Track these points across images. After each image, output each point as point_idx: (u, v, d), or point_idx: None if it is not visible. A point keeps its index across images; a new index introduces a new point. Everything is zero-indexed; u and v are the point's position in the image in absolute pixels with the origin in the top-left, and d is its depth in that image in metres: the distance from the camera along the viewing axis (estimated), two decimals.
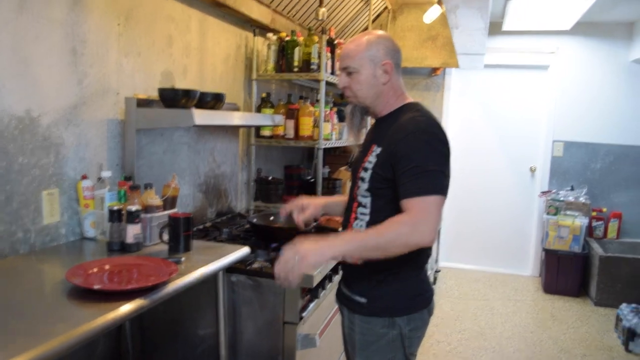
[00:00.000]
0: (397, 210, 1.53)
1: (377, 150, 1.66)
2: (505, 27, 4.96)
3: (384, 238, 1.47)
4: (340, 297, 1.83)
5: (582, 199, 5.22)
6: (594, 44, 5.35)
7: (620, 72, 5.31)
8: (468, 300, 4.89)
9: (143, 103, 2.15)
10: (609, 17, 5.01)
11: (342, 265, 1.80)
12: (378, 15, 4.86)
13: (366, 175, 1.66)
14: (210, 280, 1.89)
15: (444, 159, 1.59)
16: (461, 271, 5.81)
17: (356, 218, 1.71)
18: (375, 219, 1.63)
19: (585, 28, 5.22)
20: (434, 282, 5.19)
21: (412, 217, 1.48)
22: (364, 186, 1.67)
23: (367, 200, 1.67)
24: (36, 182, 1.79)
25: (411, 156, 1.54)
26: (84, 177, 1.94)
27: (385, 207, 1.62)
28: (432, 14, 4.50)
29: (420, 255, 1.66)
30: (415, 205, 1.49)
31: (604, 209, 5.37)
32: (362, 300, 1.69)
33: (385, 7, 4.77)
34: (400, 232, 1.47)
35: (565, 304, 4.88)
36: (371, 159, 1.66)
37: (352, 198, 1.75)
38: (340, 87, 1.76)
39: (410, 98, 1.76)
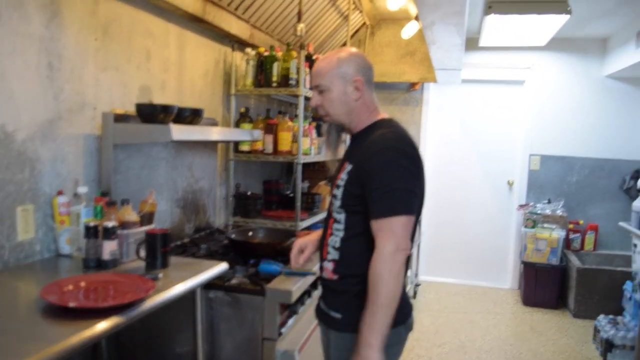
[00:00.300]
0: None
1: (348, 167, 1.67)
2: (481, 43, 5.04)
3: (382, 292, 1.49)
4: (319, 312, 1.82)
5: (559, 212, 5.29)
6: (569, 59, 5.47)
7: (595, 86, 5.43)
8: (448, 313, 4.90)
9: (120, 118, 2.14)
10: (583, 33, 5.13)
11: (321, 281, 1.80)
12: (356, 31, 4.90)
13: (338, 192, 1.67)
14: (188, 297, 1.87)
15: (413, 176, 1.60)
16: (441, 284, 5.83)
17: (331, 234, 1.71)
18: (349, 235, 1.66)
19: (560, 44, 5.33)
20: (414, 296, 5.21)
21: (379, 250, 1.52)
22: (337, 203, 1.68)
23: (341, 217, 1.68)
24: (11, 197, 1.76)
25: (378, 175, 1.56)
26: (60, 193, 1.91)
27: (359, 223, 1.63)
28: (410, 29, 4.56)
29: None
30: (381, 228, 1.53)
31: (581, 222, 5.45)
32: (337, 315, 1.69)
33: (364, 23, 4.81)
34: (381, 273, 1.49)
35: (544, 316, 4.92)
36: (343, 176, 1.67)
37: (329, 214, 1.76)
38: (313, 106, 1.77)
39: (385, 114, 1.77)
